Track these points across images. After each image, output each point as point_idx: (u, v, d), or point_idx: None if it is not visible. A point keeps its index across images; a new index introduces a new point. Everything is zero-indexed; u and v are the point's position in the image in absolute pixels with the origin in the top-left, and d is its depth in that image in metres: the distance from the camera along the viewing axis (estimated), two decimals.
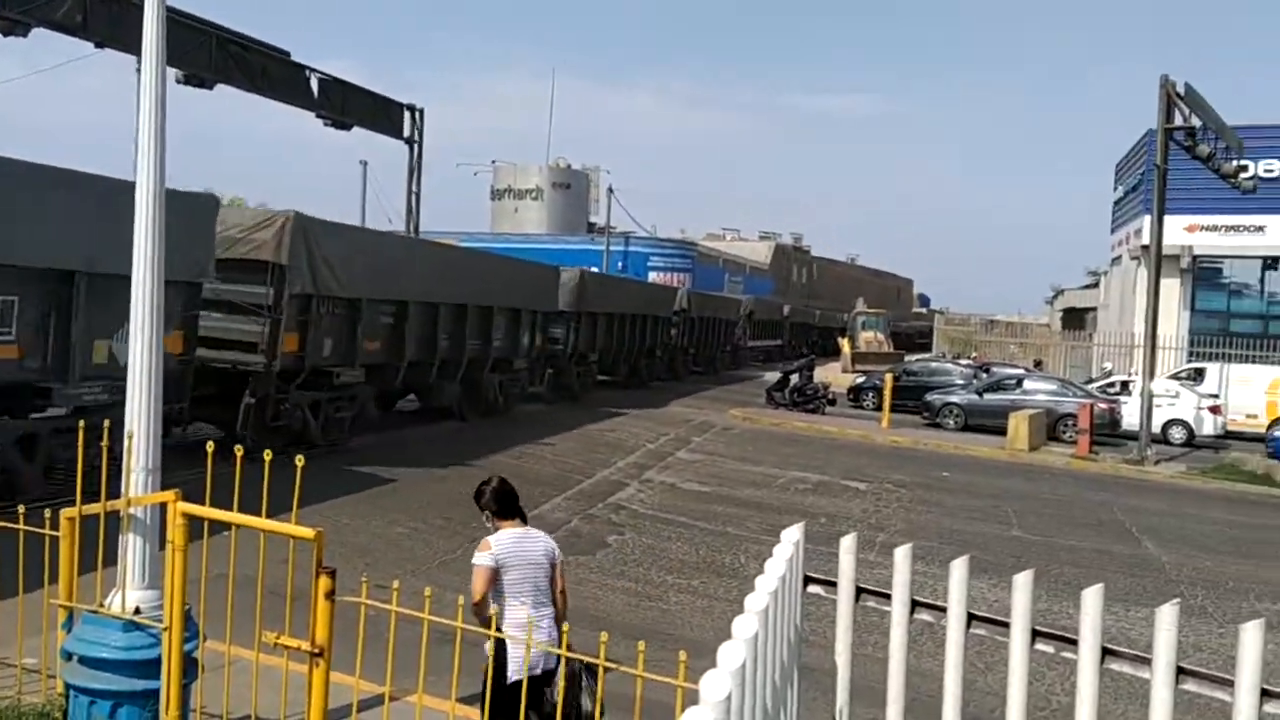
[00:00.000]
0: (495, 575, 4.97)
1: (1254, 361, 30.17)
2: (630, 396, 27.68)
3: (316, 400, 14.89)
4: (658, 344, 33.24)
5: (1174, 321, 34.06)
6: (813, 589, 4.26)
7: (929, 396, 26.79)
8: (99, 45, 16.68)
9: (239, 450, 4.74)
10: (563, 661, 4.41)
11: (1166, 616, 3.41)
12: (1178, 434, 25.24)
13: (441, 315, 18.00)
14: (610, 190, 52.50)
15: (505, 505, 5.21)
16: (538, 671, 4.80)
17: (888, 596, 4.00)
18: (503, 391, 21.22)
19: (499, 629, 4.73)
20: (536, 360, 23.54)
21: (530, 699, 4.67)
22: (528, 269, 23.94)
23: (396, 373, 17.07)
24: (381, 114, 25.63)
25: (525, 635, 4.62)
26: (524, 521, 5.26)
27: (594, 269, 41.78)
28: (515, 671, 4.80)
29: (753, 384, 36.29)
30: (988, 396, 25.66)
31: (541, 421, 20.87)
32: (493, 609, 4.83)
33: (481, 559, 5.01)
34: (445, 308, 18.16)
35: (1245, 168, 27.77)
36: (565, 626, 4.59)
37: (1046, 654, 3.86)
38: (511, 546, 5.05)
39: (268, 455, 4.75)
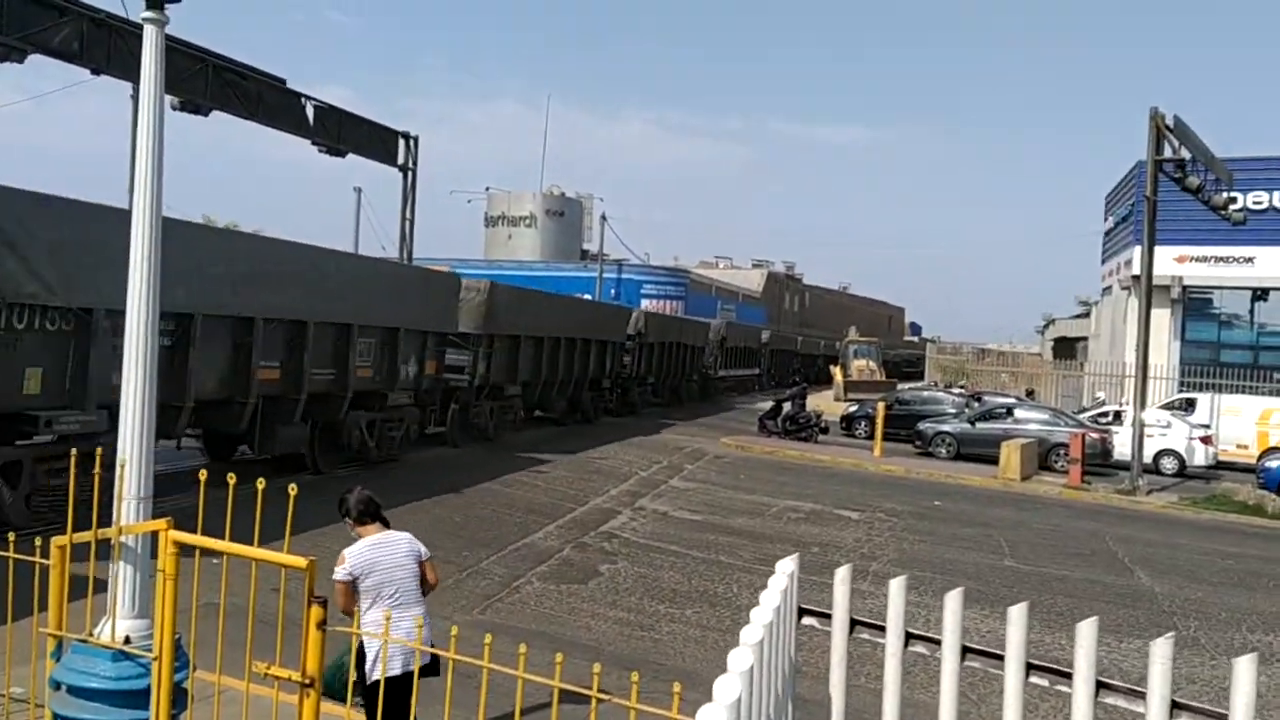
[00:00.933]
0: (354, 586, 5.14)
1: (1244, 392, 30.30)
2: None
3: (14, 461, 10.54)
4: (606, 373, 28.59)
5: (1165, 352, 34.22)
6: (807, 621, 4.25)
7: (921, 425, 26.82)
8: (96, 71, 16.73)
9: (232, 478, 4.72)
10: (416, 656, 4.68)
11: (1161, 650, 3.42)
12: (1169, 464, 25.28)
13: (260, 334, 13.47)
14: (604, 218, 52.71)
15: (364, 512, 5.35)
16: (399, 670, 4.91)
17: (882, 628, 4.00)
18: (373, 434, 16.63)
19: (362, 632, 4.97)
20: (429, 394, 18.77)
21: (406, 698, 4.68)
22: (408, 276, 19.10)
23: (177, 414, 12.37)
24: (376, 141, 25.72)
25: (383, 634, 4.76)
26: (385, 525, 5.41)
27: (587, 295, 41.96)
28: (377, 671, 4.90)
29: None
30: (980, 426, 25.70)
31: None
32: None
33: (337, 574, 5.18)
34: (267, 325, 13.62)
35: (1234, 199, 28.05)
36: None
37: (1040, 687, 3.86)
38: (367, 553, 5.19)
39: (260, 483, 4.74)
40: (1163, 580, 13.13)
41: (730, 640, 2.95)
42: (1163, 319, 34.01)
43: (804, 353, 65.65)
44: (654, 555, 12.55)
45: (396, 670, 4.90)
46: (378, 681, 4.89)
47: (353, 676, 4.95)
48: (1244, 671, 3.32)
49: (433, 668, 5.01)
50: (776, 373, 56.26)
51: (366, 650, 5.00)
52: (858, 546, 13.94)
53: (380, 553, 5.21)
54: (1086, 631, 3.50)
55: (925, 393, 34.26)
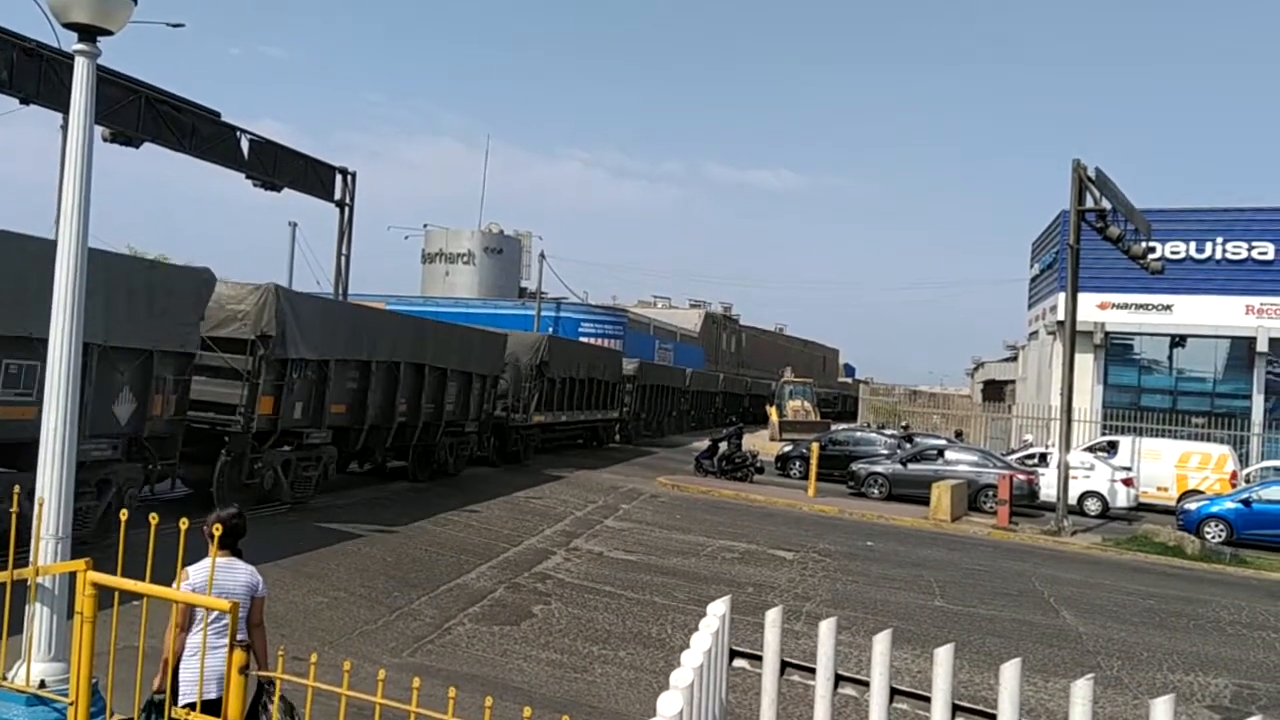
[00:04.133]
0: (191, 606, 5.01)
1: (1164, 435, 31.20)
2: None
3: None
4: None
5: (1088, 395, 35.19)
6: (739, 663, 4.26)
7: (854, 466, 27.11)
8: (24, 101, 16.41)
9: (154, 518, 4.62)
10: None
11: (1081, 691, 3.49)
12: (1093, 505, 25.88)
13: None
14: (542, 256, 52.71)
15: (225, 536, 5.17)
16: (214, 694, 4.75)
17: (812, 670, 4.02)
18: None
19: (179, 657, 4.88)
20: None
21: None
22: None
23: None
24: (312, 176, 25.52)
25: (197, 659, 4.71)
26: (234, 554, 5.33)
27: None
28: (185, 695, 4.81)
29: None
30: (911, 467, 26.05)
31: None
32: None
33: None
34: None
35: (1153, 249, 29.05)
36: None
37: None
38: (208, 577, 5.05)
39: (184, 524, 4.64)
40: (1087, 620, 13.38)
41: (664, 682, 2.95)
42: (1086, 363, 35.00)
43: (696, 389, 52.74)
44: (588, 596, 12.47)
45: (213, 694, 4.78)
46: (189, 706, 4.74)
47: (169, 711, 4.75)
48: (1162, 713, 3.41)
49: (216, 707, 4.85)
50: (651, 418, 44.08)
51: (182, 674, 4.86)
52: (791, 587, 14.00)
53: (222, 577, 5.10)
54: (1010, 674, 3.56)
55: (859, 433, 34.67)
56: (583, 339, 49.77)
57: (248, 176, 22.87)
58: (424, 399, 20.29)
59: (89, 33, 5.27)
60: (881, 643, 3.82)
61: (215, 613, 4.92)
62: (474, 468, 24.16)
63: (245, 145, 22.38)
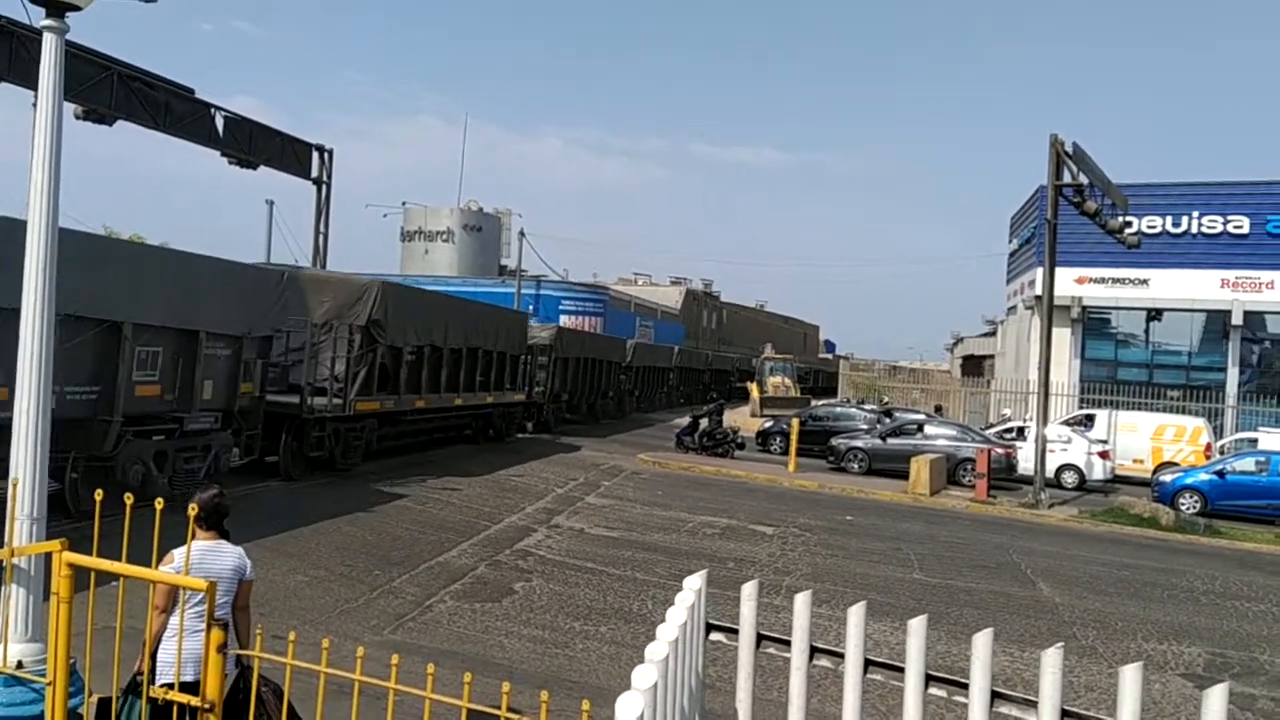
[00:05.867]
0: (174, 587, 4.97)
1: (1140, 409, 31.51)
2: None
3: None
4: None
5: (1066, 369, 35.47)
6: (715, 636, 4.30)
7: (834, 441, 27.26)
8: None
9: (129, 498, 4.60)
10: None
11: (1051, 660, 3.54)
12: (1070, 478, 26.14)
13: None
14: (522, 234, 52.47)
15: (210, 514, 5.23)
16: (191, 677, 4.77)
17: (788, 643, 4.06)
18: None
19: (159, 638, 4.88)
20: None
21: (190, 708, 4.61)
22: None
23: None
24: (289, 154, 25.31)
25: (175, 641, 4.70)
26: (221, 535, 5.33)
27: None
28: (161, 676, 4.80)
29: None
30: (891, 441, 26.22)
31: None
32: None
33: (161, 569, 5.01)
34: None
35: (1130, 224, 29.21)
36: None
37: (941, 698, 3.97)
38: (195, 558, 5.04)
39: (159, 504, 4.63)
40: (1063, 591, 13.54)
41: (644, 657, 2.98)
42: (1064, 338, 35.27)
43: (642, 365, 44.29)
44: (569, 572, 12.51)
45: (189, 677, 4.78)
46: (165, 687, 4.73)
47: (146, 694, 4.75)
48: (1130, 680, 3.46)
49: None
50: (580, 400, 35.49)
51: (159, 655, 4.87)
52: (772, 561, 14.09)
53: (209, 559, 5.11)
54: (981, 643, 3.61)
55: (838, 409, 34.84)
56: (564, 317, 49.57)
57: (223, 154, 22.66)
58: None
59: (57, 8, 5.19)
60: (856, 614, 3.86)
61: (195, 595, 4.91)
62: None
63: (220, 122, 22.16)
